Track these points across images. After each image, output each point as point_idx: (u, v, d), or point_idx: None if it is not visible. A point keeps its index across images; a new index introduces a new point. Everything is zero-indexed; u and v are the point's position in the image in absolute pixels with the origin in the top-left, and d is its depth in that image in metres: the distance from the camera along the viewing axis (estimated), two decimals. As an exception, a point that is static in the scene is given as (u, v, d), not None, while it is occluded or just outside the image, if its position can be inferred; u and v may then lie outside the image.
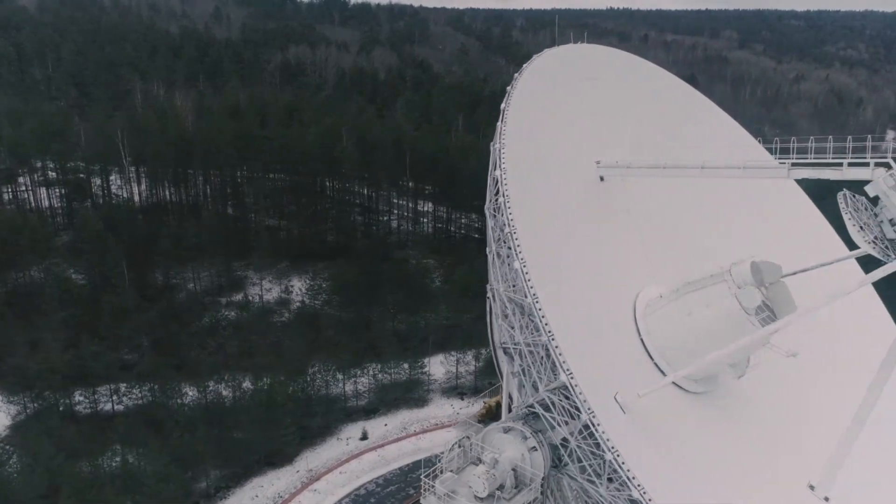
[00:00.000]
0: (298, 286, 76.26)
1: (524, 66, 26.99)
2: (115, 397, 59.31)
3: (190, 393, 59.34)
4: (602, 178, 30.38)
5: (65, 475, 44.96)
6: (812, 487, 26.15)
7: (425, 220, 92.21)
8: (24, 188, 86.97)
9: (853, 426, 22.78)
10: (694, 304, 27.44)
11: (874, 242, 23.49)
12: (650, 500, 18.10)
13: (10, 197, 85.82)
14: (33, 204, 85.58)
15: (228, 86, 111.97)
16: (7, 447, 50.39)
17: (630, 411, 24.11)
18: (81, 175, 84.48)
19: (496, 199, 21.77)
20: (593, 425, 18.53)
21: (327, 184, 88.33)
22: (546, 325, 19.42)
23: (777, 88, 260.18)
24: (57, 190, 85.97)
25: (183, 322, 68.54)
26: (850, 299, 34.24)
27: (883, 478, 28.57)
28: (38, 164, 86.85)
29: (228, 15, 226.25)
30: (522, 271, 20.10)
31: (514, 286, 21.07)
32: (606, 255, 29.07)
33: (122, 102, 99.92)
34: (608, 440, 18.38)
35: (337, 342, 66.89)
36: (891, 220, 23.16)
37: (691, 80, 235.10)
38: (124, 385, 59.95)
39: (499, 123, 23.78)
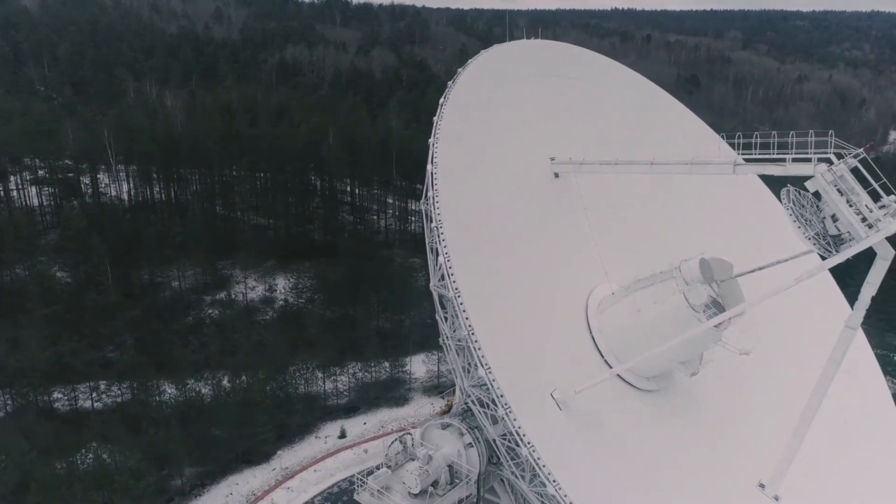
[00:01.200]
0: (283, 285, 76.30)
1: (469, 60, 26.76)
2: (94, 395, 59.43)
3: (169, 391, 59.42)
4: (557, 175, 30.23)
5: (35, 472, 45.03)
6: (762, 486, 26.01)
7: (413, 218, 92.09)
8: (14, 187, 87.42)
9: (800, 425, 22.61)
10: (643, 301, 27.31)
11: (814, 238, 23.31)
12: (566, 496, 17.89)
13: (2, 195, 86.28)
14: (24, 202, 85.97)
15: (221, 85, 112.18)
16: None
17: (570, 408, 23.96)
18: (70, 174, 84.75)
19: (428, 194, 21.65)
20: (508, 419, 18.33)
21: (317, 183, 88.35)
22: (466, 318, 19.24)
23: (780, 89, 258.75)
24: (48, 189, 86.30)
25: (166, 320, 68.58)
26: (812, 297, 34.05)
27: (833, 475, 28.35)
28: (29, 163, 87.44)
29: (230, 15, 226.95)
30: (446, 265, 19.97)
31: (442, 280, 20.91)
32: (561, 252, 28.92)
33: (116, 102, 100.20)
34: (524, 435, 18.17)
35: (319, 341, 66.84)
36: (833, 216, 22.91)
37: (692, 80, 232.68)
38: (104, 383, 60.07)
39: (435, 118, 23.61)
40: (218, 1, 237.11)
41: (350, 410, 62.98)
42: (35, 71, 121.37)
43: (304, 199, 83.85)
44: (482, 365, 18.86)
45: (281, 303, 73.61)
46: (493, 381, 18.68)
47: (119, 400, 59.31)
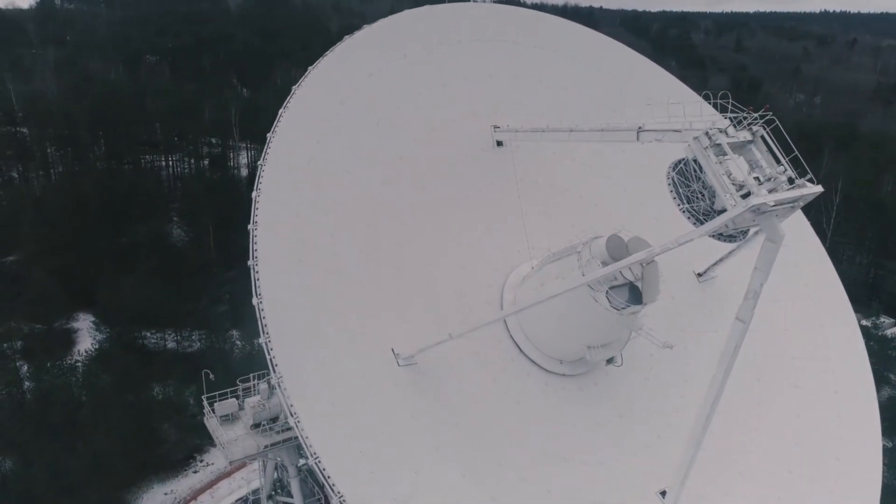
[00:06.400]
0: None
1: (381, 20, 26.63)
2: (178, 338, 66.61)
3: (239, 343, 65.09)
4: (500, 144, 29.40)
5: (96, 393, 51.81)
6: (663, 494, 24.16)
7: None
8: (173, 157, 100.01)
9: (695, 427, 20.64)
10: (548, 275, 26.08)
11: (689, 211, 21.23)
12: (307, 438, 17.48)
13: (163, 164, 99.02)
14: (172, 171, 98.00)
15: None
16: (76, 364, 59.01)
17: (420, 371, 23.33)
18: (208, 148, 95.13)
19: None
20: (272, 365, 18.40)
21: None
22: (255, 251, 19.58)
23: None
24: (188, 159, 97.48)
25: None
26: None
27: (741, 481, 25.17)
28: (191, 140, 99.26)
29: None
30: (254, 204, 20.47)
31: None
32: (492, 224, 28.05)
33: (262, 87, 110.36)
34: (281, 377, 18.05)
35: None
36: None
37: (894, 88, 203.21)
38: (187, 330, 67.03)
39: (311, 67, 24.08)
40: (393, 1, 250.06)
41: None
42: (209, 60, 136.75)
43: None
44: (257, 296, 19.17)
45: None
46: (264, 318, 18.78)
47: (197, 346, 65.96)
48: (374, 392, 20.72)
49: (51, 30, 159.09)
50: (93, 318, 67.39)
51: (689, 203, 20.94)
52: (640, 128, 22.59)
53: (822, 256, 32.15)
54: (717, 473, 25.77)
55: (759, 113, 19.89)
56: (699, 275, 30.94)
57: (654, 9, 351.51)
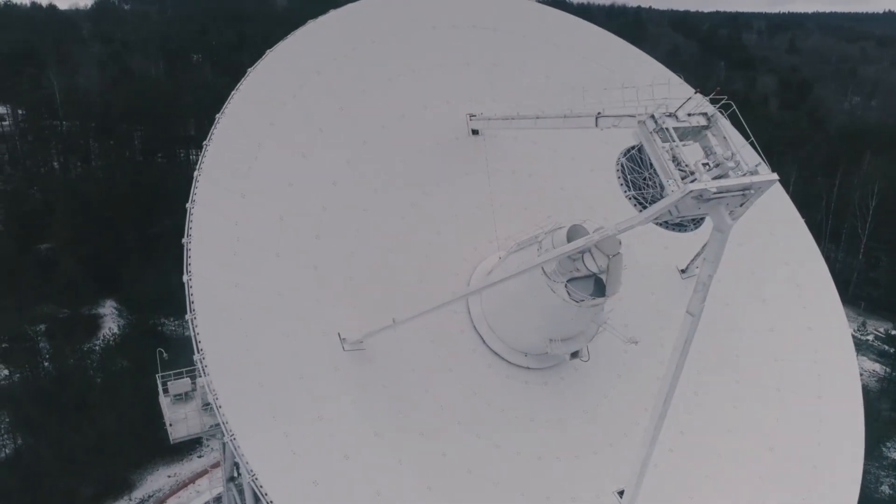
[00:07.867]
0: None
1: (349, 4, 26.36)
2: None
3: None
4: (476, 132, 28.95)
5: (110, 376, 53.31)
6: (621, 494, 23.63)
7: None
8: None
9: (649, 424, 20.04)
10: (510, 265, 25.58)
11: (635, 198, 20.59)
12: (224, 415, 17.38)
13: (195, 157, 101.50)
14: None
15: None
16: (96, 347, 60.88)
17: (371, 358, 22.99)
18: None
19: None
20: (195, 342, 18.37)
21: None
22: (190, 225, 19.58)
23: None
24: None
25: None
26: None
27: (708, 484, 24.22)
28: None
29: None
30: (193, 182, 20.51)
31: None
32: (462, 214, 27.59)
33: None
34: (200, 345, 18.06)
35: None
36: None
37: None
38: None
39: (269, 50, 24.07)
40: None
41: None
42: (250, 58, 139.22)
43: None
44: (187, 271, 19.21)
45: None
46: (191, 291, 18.85)
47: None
48: (310, 375, 20.49)
49: (103, 27, 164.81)
50: (115, 305, 69.46)
51: (637, 190, 20.27)
52: (598, 114, 21.90)
53: (815, 256, 30.74)
54: (683, 475, 24.82)
55: (711, 97, 19.14)
56: (682, 271, 29.91)
57: (707, 9, 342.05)
